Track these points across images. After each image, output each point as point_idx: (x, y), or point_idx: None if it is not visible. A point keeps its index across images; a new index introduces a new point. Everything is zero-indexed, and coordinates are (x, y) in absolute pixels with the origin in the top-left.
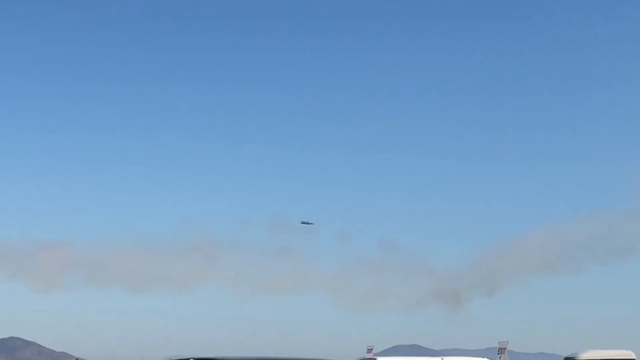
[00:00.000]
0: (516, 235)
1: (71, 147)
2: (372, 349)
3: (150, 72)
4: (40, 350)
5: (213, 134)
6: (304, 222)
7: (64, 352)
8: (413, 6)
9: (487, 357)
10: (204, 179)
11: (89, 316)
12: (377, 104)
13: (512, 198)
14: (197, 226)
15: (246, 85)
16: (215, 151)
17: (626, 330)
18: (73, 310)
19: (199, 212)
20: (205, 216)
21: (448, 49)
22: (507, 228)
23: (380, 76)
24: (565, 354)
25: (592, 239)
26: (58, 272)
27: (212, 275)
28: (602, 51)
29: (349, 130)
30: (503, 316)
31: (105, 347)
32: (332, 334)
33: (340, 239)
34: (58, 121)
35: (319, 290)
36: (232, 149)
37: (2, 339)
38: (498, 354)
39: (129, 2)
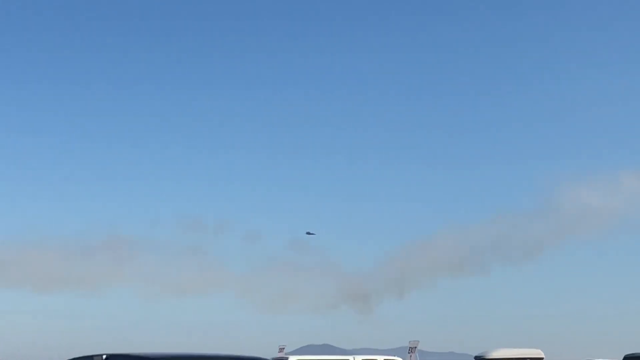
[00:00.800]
0: (425, 236)
1: None
2: (283, 348)
3: (49, 71)
4: None
5: (121, 133)
6: (308, 233)
7: None
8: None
9: (398, 356)
10: (113, 178)
11: None
12: (282, 102)
13: (420, 200)
14: (106, 226)
15: (154, 83)
16: (125, 150)
17: (534, 330)
18: None
19: (108, 211)
20: (115, 216)
21: (345, 48)
22: (416, 230)
23: (280, 74)
24: (475, 353)
25: (499, 240)
26: None
27: (121, 276)
28: (509, 53)
29: (258, 129)
30: (413, 317)
31: (12, 347)
32: (242, 334)
33: (251, 239)
34: None
35: (229, 291)
36: (141, 148)
37: None
38: (409, 353)
39: None
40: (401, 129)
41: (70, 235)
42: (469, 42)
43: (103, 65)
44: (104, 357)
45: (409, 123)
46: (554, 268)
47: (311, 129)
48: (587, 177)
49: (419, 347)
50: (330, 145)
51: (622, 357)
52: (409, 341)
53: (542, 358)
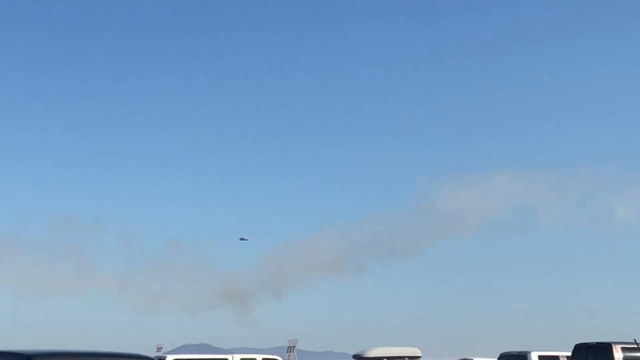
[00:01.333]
0: (303, 236)
1: None
2: (161, 347)
3: None
4: None
5: None
6: (242, 239)
7: None
8: None
9: (277, 355)
10: None
11: None
12: (163, 91)
13: (298, 199)
14: None
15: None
16: None
17: (411, 328)
18: None
19: None
20: None
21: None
22: (294, 229)
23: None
24: (353, 352)
25: (376, 239)
26: None
27: None
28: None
29: (134, 125)
30: (292, 316)
31: None
32: (119, 334)
33: (126, 239)
34: None
35: (106, 291)
36: (9, 143)
37: None
38: (287, 352)
39: None
40: (277, 131)
41: None
42: (327, 47)
43: None
44: None
45: (286, 124)
46: (430, 267)
47: (188, 130)
48: (462, 178)
49: (297, 346)
50: (205, 144)
51: (498, 355)
52: (288, 340)
53: (419, 356)
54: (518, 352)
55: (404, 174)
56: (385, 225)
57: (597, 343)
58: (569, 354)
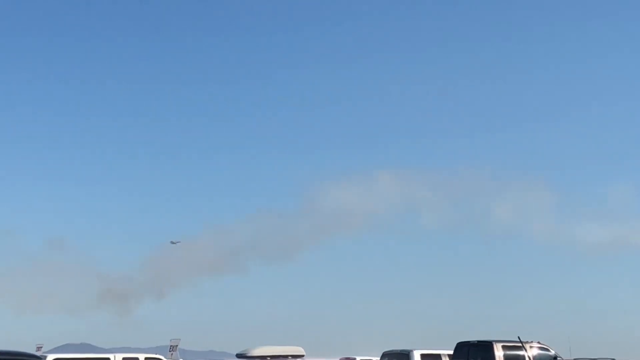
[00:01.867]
0: (184, 236)
1: None
2: (41, 347)
3: None
4: None
5: None
6: (173, 242)
7: None
8: None
9: (159, 354)
10: None
11: None
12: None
13: (180, 199)
14: None
15: None
16: None
17: (295, 327)
18: None
19: None
20: None
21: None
22: (176, 229)
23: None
24: (236, 351)
25: (258, 239)
26: None
27: None
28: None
29: (19, 121)
30: (173, 316)
31: None
32: None
33: (4, 237)
34: None
35: None
36: None
37: None
38: (169, 351)
39: None
40: (154, 130)
41: None
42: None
43: None
44: None
45: (166, 123)
46: (313, 266)
47: (75, 123)
48: (345, 178)
49: (179, 346)
50: (90, 140)
51: (381, 354)
52: (170, 339)
53: (303, 355)
54: (401, 350)
55: (287, 174)
56: (267, 225)
57: (479, 341)
58: (451, 352)
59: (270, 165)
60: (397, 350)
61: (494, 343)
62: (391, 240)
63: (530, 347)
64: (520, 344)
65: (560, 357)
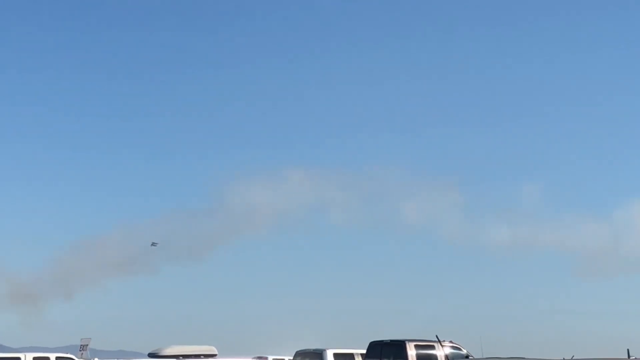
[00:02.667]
0: (94, 235)
1: None
2: None
3: None
4: None
5: None
6: (153, 244)
7: None
8: None
9: (70, 354)
10: None
11: None
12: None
13: (89, 197)
14: None
15: None
16: None
17: (207, 327)
18: None
19: None
20: None
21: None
22: (83, 228)
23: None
24: (146, 351)
25: (169, 238)
26: None
27: None
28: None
29: None
30: (83, 316)
31: None
32: None
33: None
34: None
35: None
36: None
37: None
38: (80, 350)
39: None
40: (62, 127)
41: None
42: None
43: None
44: None
45: (81, 122)
46: (225, 266)
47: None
48: (255, 175)
49: (90, 345)
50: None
51: (294, 353)
52: (81, 339)
53: (215, 354)
54: (314, 349)
55: (198, 172)
56: (178, 224)
57: (391, 340)
58: (364, 351)
59: (181, 164)
60: (310, 349)
61: (406, 342)
62: (302, 239)
63: (443, 346)
64: (432, 343)
65: (472, 356)
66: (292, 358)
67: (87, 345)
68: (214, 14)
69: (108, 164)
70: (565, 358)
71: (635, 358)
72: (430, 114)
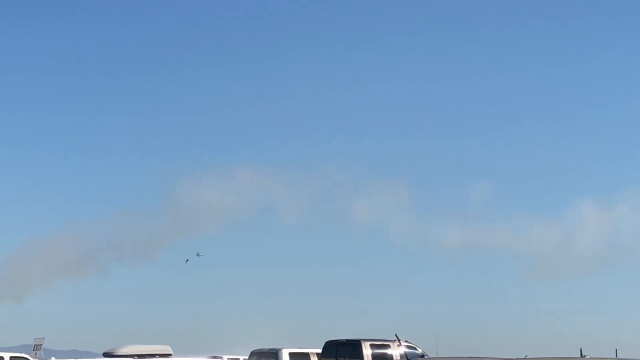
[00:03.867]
0: (42, 236)
1: None
2: None
3: None
4: None
5: None
6: (198, 255)
7: None
8: None
9: (24, 353)
10: None
11: None
12: None
13: (36, 196)
14: None
15: None
16: None
17: (161, 327)
18: None
19: None
20: None
21: None
22: (32, 228)
23: None
24: (99, 350)
25: (119, 238)
26: None
27: None
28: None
29: None
30: (36, 316)
31: None
32: None
33: None
34: None
35: None
36: None
37: None
38: (34, 350)
39: None
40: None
41: None
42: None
43: None
44: None
45: (20, 121)
46: (175, 265)
47: None
48: (204, 173)
49: (44, 345)
50: None
51: (249, 352)
52: (35, 338)
53: (171, 354)
54: (269, 349)
55: (147, 170)
56: (127, 224)
57: (347, 340)
58: (320, 350)
59: (131, 162)
60: (266, 349)
61: (362, 342)
62: (253, 238)
63: (398, 345)
64: (387, 343)
65: (427, 355)
66: (247, 358)
67: (40, 345)
68: (142, 19)
69: (56, 163)
70: (519, 357)
71: (588, 357)
72: (380, 114)
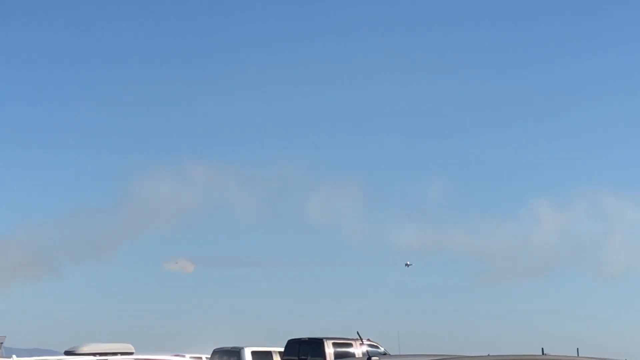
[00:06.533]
0: None
1: None
2: None
3: None
4: None
5: None
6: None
7: None
8: None
9: None
10: None
11: None
12: None
13: None
14: None
15: None
16: None
17: (122, 325)
18: None
19: None
20: None
21: None
22: None
23: None
24: (60, 349)
25: (72, 238)
26: None
27: None
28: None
29: None
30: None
31: None
32: None
33: None
34: None
35: None
36: None
37: None
38: None
39: None
40: None
41: None
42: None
43: None
44: None
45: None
46: (134, 263)
47: None
48: (158, 171)
49: (5, 344)
50: None
51: (211, 351)
52: None
53: (133, 352)
54: (231, 347)
55: (99, 168)
56: (81, 223)
57: (309, 338)
58: (282, 349)
59: (82, 160)
60: (228, 347)
61: (324, 340)
62: (207, 234)
63: (361, 344)
64: (350, 341)
65: (389, 353)
66: (209, 356)
67: (1, 343)
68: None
69: (6, 162)
70: (481, 355)
71: (550, 355)
72: (335, 113)
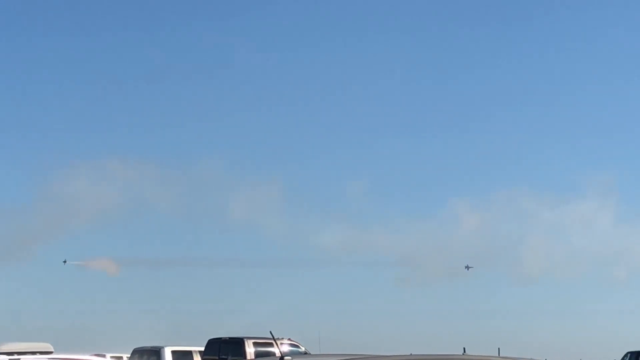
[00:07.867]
0: None
1: None
2: None
3: None
4: None
5: None
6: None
7: None
8: None
9: None
10: None
11: None
12: None
13: None
14: None
15: None
16: None
17: (39, 325)
18: None
19: None
20: None
21: None
22: None
23: None
24: None
25: None
26: None
27: None
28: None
29: None
30: None
31: None
32: None
33: None
34: None
35: None
36: None
37: None
38: None
39: None
40: None
41: None
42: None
43: None
44: None
45: None
46: (52, 262)
47: None
48: (75, 167)
49: None
50: None
51: (131, 351)
52: None
53: (51, 351)
54: (151, 347)
55: (12, 164)
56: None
57: (230, 338)
58: (203, 348)
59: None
60: (148, 347)
61: (245, 339)
62: (127, 233)
63: (281, 343)
64: (271, 341)
65: (309, 352)
66: (129, 356)
67: None
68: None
69: None
70: (404, 354)
71: (471, 355)
72: (256, 110)
